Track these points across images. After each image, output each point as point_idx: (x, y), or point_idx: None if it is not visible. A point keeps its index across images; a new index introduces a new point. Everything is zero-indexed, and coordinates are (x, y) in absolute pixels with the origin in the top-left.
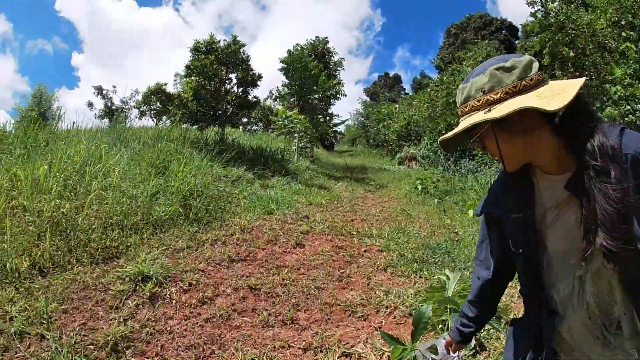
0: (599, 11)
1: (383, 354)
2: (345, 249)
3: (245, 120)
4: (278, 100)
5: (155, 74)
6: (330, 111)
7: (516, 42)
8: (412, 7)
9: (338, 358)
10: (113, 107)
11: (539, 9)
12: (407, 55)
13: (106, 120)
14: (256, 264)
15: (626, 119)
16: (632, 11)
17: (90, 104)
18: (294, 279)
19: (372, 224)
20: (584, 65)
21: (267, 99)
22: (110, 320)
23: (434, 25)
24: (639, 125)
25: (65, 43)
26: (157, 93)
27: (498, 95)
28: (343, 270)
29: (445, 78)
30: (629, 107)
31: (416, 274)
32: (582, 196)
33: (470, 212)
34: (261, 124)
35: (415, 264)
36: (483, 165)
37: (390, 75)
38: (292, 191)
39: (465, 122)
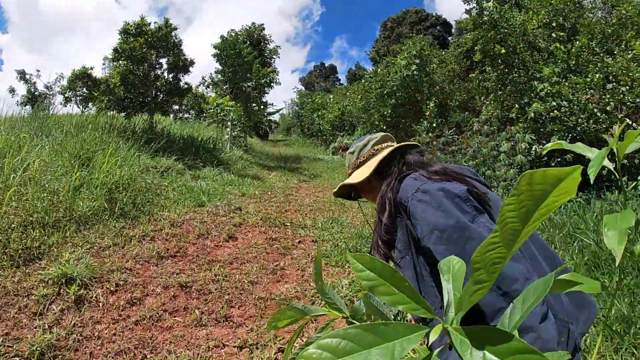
0: (531, 12)
1: None
2: (279, 240)
3: (176, 107)
4: (211, 87)
5: (86, 59)
6: (264, 100)
7: (449, 38)
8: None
9: (274, 354)
10: (36, 93)
11: (474, 7)
12: (344, 45)
13: (29, 107)
14: (187, 260)
15: (551, 114)
16: (563, 14)
17: (12, 90)
18: (227, 274)
19: (306, 214)
20: (513, 62)
21: (199, 85)
22: (35, 328)
23: (372, 18)
24: (564, 120)
25: None
26: (83, 78)
27: (350, 170)
28: (277, 263)
29: (379, 70)
30: (554, 104)
31: (350, 264)
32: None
33: None
34: (193, 112)
35: (349, 252)
36: None
37: (326, 65)
38: (225, 182)
39: (341, 183)
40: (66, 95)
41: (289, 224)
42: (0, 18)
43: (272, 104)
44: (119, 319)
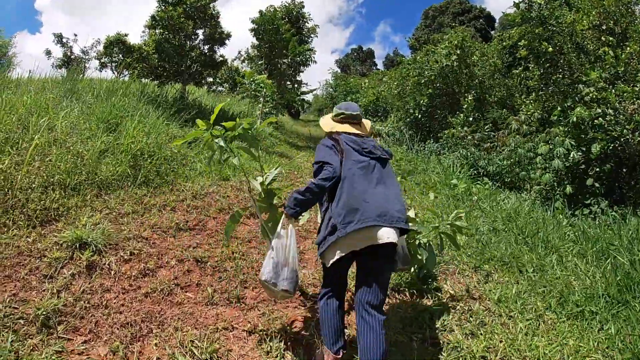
0: (582, 12)
1: None
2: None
3: (210, 80)
4: (246, 62)
5: (127, 26)
6: (299, 78)
7: (492, 32)
8: None
9: (285, 343)
10: (72, 57)
11: (523, 1)
12: (387, 30)
13: (64, 70)
14: (205, 234)
15: (595, 121)
16: (615, 17)
17: (48, 52)
18: (244, 252)
19: None
20: (558, 62)
21: (235, 59)
22: (44, 291)
23: (418, 4)
24: (607, 128)
25: None
26: (117, 44)
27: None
28: (297, 246)
29: (419, 57)
30: (599, 111)
31: None
32: None
33: (431, 195)
34: (227, 85)
35: None
36: (447, 148)
37: (364, 49)
38: (251, 158)
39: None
40: (102, 60)
41: (313, 207)
42: None
43: (306, 84)
44: (130, 289)
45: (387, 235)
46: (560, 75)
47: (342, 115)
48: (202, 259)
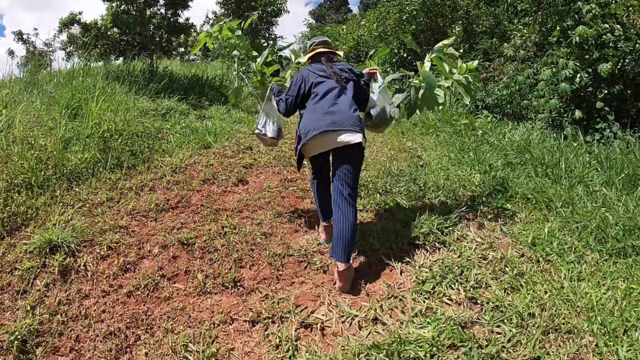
0: None
1: (353, 319)
2: (295, 182)
3: (182, 50)
4: (213, 23)
5: (94, 9)
6: (274, 34)
7: None
8: None
9: (295, 331)
10: (35, 52)
11: None
12: None
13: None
14: (190, 211)
15: (604, 37)
16: None
17: (11, 52)
18: (236, 225)
19: None
20: None
21: (204, 24)
22: (17, 310)
23: None
24: (616, 45)
25: None
26: (72, 24)
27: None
28: (294, 209)
29: None
30: (606, 26)
31: (380, 207)
32: None
33: (431, 137)
34: (200, 53)
35: (379, 195)
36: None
37: None
38: (233, 120)
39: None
40: (68, 50)
41: (305, 163)
42: None
43: (281, 37)
44: (110, 290)
45: (342, 138)
46: None
47: (312, 44)
48: (188, 241)
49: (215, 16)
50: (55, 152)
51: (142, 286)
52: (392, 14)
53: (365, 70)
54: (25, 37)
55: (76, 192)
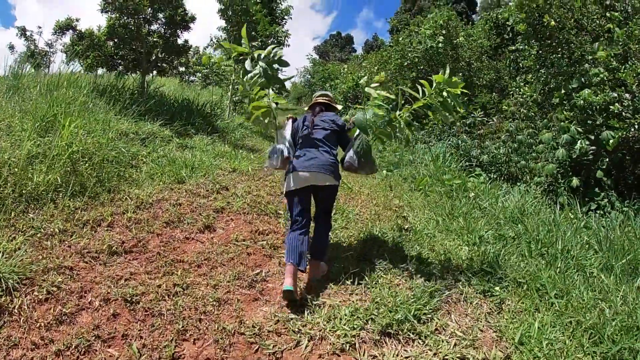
0: None
1: None
2: (266, 234)
3: (182, 70)
4: (214, 48)
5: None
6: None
7: (473, 15)
8: None
9: None
10: (36, 51)
11: None
12: (370, 16)
13: (28, 66)
14: (144, 259)
15: (611, 107)
16: None
17: (11, 47)
18: (189, 284)
19: None
20: (557, 40)
21: (207, 47)
22: None
23: None
24: (625, 116)
25: None
26: (67, 29)
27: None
28: (259, 271)
29: (401, 39)
30: (614, 95)
31: (354, 280)
32: None
33: (420, 195)
34: (200, 75)
35: (359, 263)
36: (434, 135)
37: (343, 35)
38: (215, 153)
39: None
40: (69, 53)
41: (281, 212)
42: None
43: (280, 69)
44: (40, 343)
45: (315, 178)
46: (560, 55)
47: (314, 96)
48: (133, 298)
49: (217, 41)
50: (17, 169)
51: (74, 346)
52: (393, 59)
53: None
54: (28, 33)
55: (31, 217)
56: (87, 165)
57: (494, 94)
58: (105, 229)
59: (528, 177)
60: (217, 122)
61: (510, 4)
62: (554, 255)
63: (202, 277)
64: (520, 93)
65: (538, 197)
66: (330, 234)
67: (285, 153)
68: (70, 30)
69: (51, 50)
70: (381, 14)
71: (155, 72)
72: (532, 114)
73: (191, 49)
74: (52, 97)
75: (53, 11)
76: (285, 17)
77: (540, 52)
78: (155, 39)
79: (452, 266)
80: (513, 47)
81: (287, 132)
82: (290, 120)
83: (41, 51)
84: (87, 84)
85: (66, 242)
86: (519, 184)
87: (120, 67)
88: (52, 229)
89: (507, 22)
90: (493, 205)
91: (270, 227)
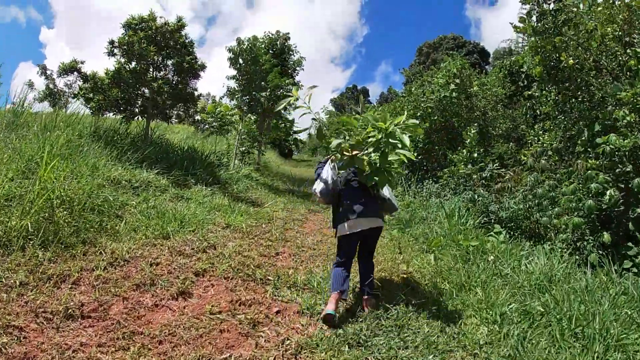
0: (602, 19)
1: None
2: (248, 306)
3: (196, 118)
4: (226, 96)
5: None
6: (290, 117)
7: (487, 67)
8: (398, 21)
9: None
10: (55, 90)
11: (534, 8)
12: (388, 70)
13: (46, 103)
14: (101, 327)
15: None
16: None
17: (30, 84)
18: None
19: (301, 261)
20: (576, 81)
21: (223, 96)
22: None
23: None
24: None
25: (40, 12)
26: (71, 71)
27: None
28: (229, 355)
29: (414, 89)
30: None
31: None
32: None
33: (432, 258)
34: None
35: (351, 350)
36: (448, 189)
37: (359, 88)
38: (212, 206)
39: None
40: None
41: (271, 279)
42: (48, 13)
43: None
44: None
45: (366, 223)
46: (580, 98)
47: None
48: None
49: (229, 91)
50: None
51: None
52: (407, 109)
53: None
54: (48, 72)
55: None
56: (65, 212)
57: (511, 143)
58: (70, 286)
59: (552, 234)
60: (220, 173)
61: (524, 48)
62: (590, 337)
63: (159, 358)
64: (539, 142)
65: (565, 256)
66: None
67: (331, 186)
68: (75, 72)
69: (70, 90)
70: (398, 68)
71: (158, 119)
72: (552, 164)
73: (201, 97)
74: (43, 138)
75: (80, 53)
76: (297, 68)
77: (558, 96)
78: (159, 85)
79: (468, 353)
80: (529, 93)
81: (330, 172)
82: (330, 162)
83: (60, 91)
84: (88, 127)
85: (24, 297)
86: (542, 242)
87: (126, 111)
88: (13, 280)
89: (522, 69)
90: (515, 270)
91: (255, 297)
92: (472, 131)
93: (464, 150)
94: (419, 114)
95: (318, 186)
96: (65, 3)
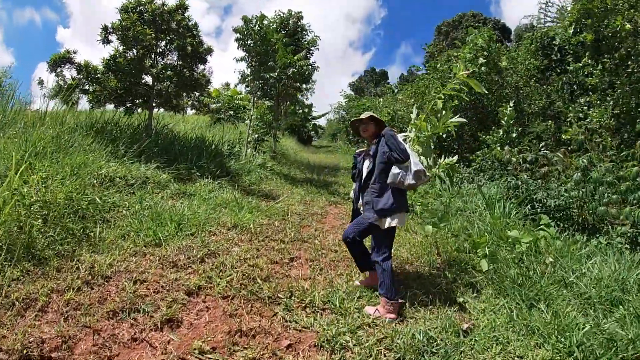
0: None
1: None
2: (251, 337)
3: (213, 106)
4: (240, 82)
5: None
6: (307, 101)
7: (508, 44)
8: (416, 1)
9: None
10: (64, 87)
11: None
12: (409, 52)
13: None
14: None
15: None
16: None
17: (40, 82)
18: None
19: (320, 269)
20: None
21: (238, 84)
22: None
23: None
24: None
25: (56, 12)
26: (64, 62)
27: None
28: None
29: (439, 65)
30: None
31: None
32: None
33: (484, 264)
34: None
35: None
36: (482, 173)
37: (377, 70)
38: (218, 202)
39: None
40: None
41: (281, 297)
42: (64, 13)
43: (309, 106)
44: None
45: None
46: (631, 69)
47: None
48: None
49: (242, 76)
50: None
51: None
52: (432, 88)
53: None
54: (59, 70)
55: None
56: (40, 220)
57: (549, 122)
58: (34, 314)
59: (610, 226)
60: (229, 163)
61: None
62: None
63: None
64: (587, 119)
65: (626, 253)
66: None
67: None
68: (68, 64)
69: (79, 87)
70: (419, 50)
71: (165, 109)
72: (610, 142)
73: (211, 84)
74: (24, 136)
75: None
76: (312, 48)
77: (611, 66)
78: (159, 71)
79: None
80: (575, 65)
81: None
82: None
83: (69, 86)
84: (86, 121)
85: None
86: (597, 235)
87: (127, 103)
88: None
89: (554, 42)
90: (579, 276)
91: (260, 324)
92: (509, 108)
93: (500, 130)
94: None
95: (418, 165)
96: (80, 1)
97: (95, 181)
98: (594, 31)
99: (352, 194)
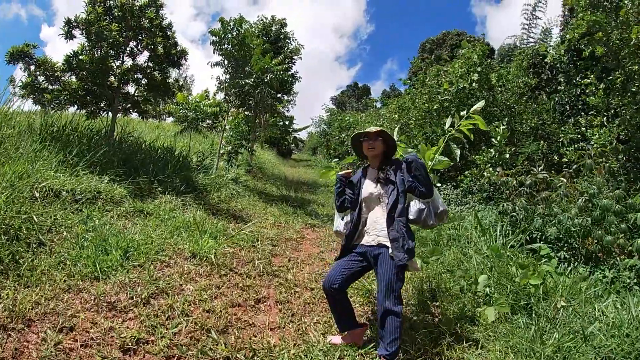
0: None
1: None
2: None
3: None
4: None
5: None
6: (287, 113)
7: (491, 63)
8: (403, 19)
9: None
10: (37, 86)
11: None
12: (394, 68)
13: (29, 101)
14: None
15: None
16: None
17: (12, 80)
18: None
19: (292, 315)
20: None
21: (217, 92)
22: None
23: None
24: None
25: (42, 9)
26: (22, 57)
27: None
28: None
29: (427, 80)
30: None
31: None
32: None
33: (490, 314)
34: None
35: None
36: (470, 194)
37: (360, 85)
38: (178, 224)
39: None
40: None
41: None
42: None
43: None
44: None
45: None
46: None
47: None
48: None
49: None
50: None
51: None
52: (418, 103)
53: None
54: (32, 68)
55: None
56: None
57: (541, 142)
58: None
59: (617, 258)
60: (197, 177)
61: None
62: None
63: None
64: (585, 141)
65: (635, 289)
66: None
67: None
68: (26, 59)
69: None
70: (404, 66)
71: (133, 113)
72: (616, 166)
73: (182, 89)
74: None
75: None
76: (295, 57)
77: (624, 82)
78: (124, 72)
79: None
80: (583, 81)
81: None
82: None
83: (42, 86)
84: (34, 124)
85: None
86: (601, 267)
87: (90, 105)
88: None
89: (545, 60)
90: (592, 320)
91: None
92: (502, 127)
93: (492, 150)
94: (435, 107)
95: (443, 205)
96: (67, 0)
97: (37, 194)
98: (605, 44)
99: (340, 227)
